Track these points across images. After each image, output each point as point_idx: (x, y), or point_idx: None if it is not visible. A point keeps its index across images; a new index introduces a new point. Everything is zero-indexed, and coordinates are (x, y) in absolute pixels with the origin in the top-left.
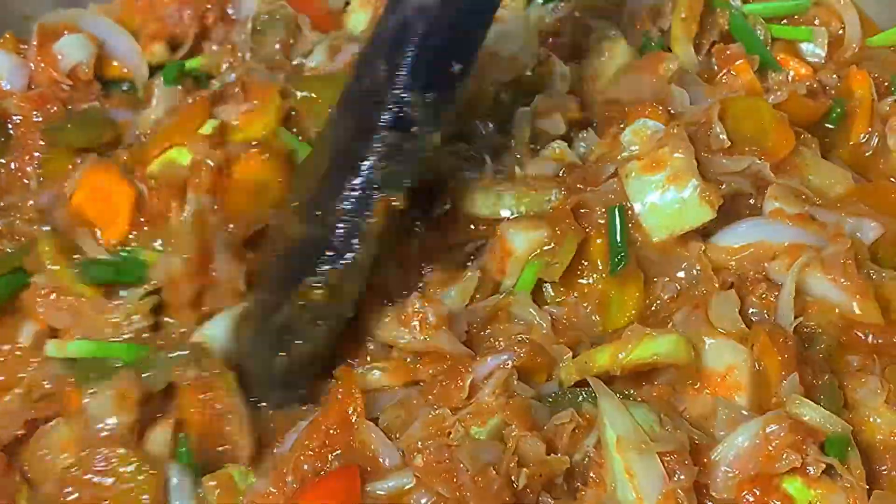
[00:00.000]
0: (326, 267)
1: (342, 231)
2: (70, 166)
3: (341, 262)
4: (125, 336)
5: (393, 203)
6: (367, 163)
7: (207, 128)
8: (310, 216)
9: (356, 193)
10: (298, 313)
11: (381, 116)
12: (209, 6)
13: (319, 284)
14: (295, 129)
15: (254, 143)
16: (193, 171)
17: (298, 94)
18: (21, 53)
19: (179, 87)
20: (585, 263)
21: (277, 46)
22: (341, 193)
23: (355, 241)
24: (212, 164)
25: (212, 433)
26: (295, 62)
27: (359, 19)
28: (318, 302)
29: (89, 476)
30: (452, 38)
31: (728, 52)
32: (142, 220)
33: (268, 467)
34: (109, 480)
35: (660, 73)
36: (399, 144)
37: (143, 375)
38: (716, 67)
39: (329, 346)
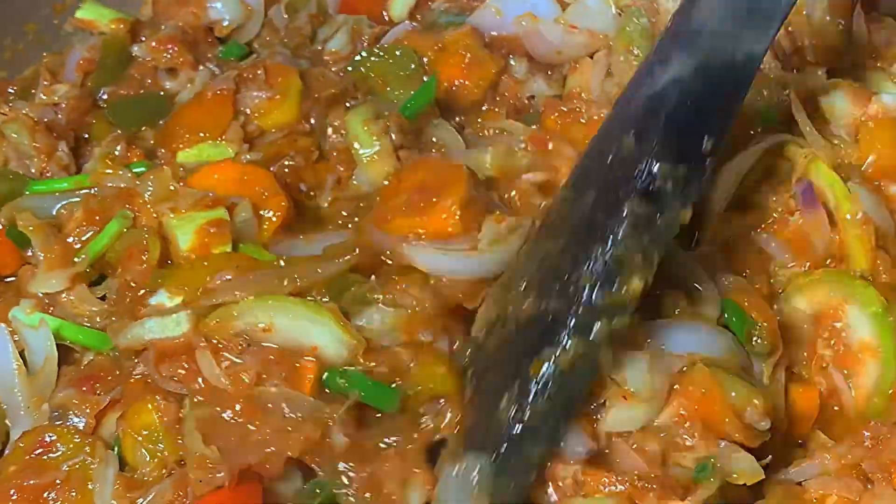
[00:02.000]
0: (567, 339)
1: (585, 299)
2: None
3: (585, 334)
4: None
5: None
6: (613, 234)
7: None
8: (543, 291)
9: (600, 263)
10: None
11: (630, 186)
12: None
13: (559, 354)
14: (349, 103)
15: (290, 154)
16: None
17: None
18: None
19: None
20: None
21: (307, 25)
22: (586, 263)
23: (598, 310)
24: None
25: None
26: (318, 48)
27: (400, 4)
28: (554, 375)
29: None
30: (705, 111)
31: None
32: None
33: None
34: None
35: None
36: (647, 217)
37: None
38: None
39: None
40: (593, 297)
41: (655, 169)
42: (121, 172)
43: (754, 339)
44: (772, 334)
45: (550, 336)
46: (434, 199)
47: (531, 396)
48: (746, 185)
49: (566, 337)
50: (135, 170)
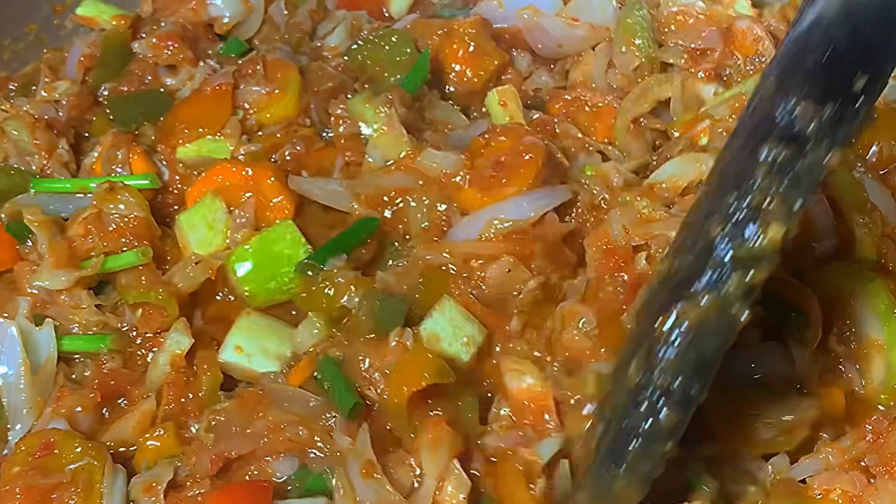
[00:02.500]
0: (699, 293)
1: (719, 250)
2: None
3: (717, 287)
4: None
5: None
6: (748, 180)
7: (235, 122)
8: (679, 248)
9: (735, 213)
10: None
11: (769, 128)
12: None
13: (694, 304)
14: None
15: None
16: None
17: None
18: None
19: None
20: None
21: (308, 20)
22: (721, 212)
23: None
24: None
25: None
26: (317, 44)
27: (401, 2)
28: (692, 325)
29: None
30: (856, 48)
31: None
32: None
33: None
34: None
35: None
36: (787, 160)
37: None
38: None
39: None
40: (726, 247)
41: (796, 107)
42: (120, 197)
43: (800, 328)
44: (816, 321)
45: (679, 293)
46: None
47: (659, 354)
48: None
49: (696, 290)
50: (138, 181)
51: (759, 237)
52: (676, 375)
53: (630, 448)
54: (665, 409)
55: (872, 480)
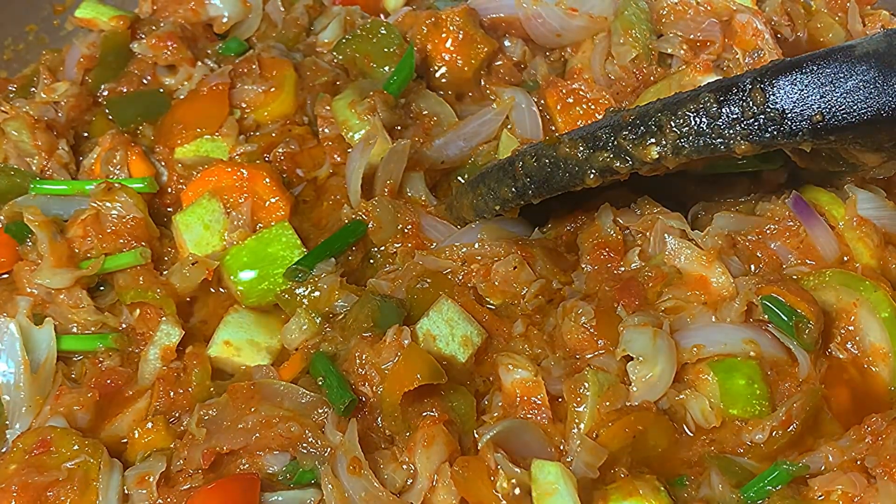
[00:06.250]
0: (583, 145)
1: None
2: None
3: (593, 149)
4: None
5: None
6: (680, 104)
7: (232, 122)
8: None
9: (651, 121)
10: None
11: (721, 84)
12: None
13: (573, 147)
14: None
15: (285, 141)
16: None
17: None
18: None
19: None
20: None
21: (304, 16)
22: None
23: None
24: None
25: None
26: (312, 39)
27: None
28: (560, 154)
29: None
30: (835, 94)
31: None
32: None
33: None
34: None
35: None
36: (712, 115)
37: None
38: None
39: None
40: (624, 135)
41: (747, 85)
42: (118, 197)
43: (805, 332)
44: (819, 321)
45: (576, 135)
46: None
47: (532, 158)
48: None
49: (577, 139)
50: (134, 185)
51: (640, 145)
52: (527, 175)
53: (478, 189)
54: (505, 187)
55: (873, 481)
